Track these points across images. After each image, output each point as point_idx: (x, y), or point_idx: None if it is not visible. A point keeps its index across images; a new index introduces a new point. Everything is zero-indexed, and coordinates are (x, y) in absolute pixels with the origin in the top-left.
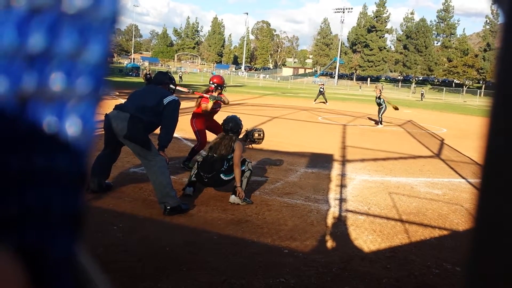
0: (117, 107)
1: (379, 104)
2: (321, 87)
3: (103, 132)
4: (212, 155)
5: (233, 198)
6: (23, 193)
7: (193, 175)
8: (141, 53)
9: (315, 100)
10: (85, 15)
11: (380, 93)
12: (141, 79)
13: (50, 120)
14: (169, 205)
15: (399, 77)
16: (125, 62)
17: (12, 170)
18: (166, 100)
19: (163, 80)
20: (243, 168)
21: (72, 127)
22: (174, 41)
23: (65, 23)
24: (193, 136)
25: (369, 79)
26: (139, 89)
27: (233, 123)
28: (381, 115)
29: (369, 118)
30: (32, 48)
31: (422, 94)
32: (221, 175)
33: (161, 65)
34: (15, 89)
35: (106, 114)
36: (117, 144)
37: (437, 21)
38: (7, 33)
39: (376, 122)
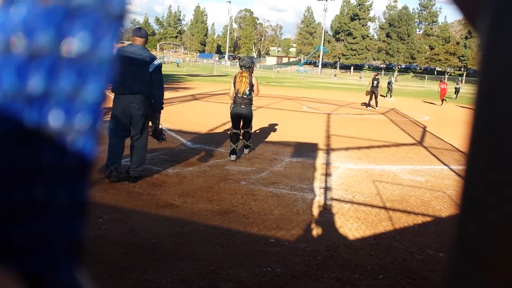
0: (127, 91)
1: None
2: (390, 79)
3: (116, 118)
4: (242, 96)
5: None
6: (24, 223)
7: (232, 146)
8: (122, 43)
9: (390, 97)
10: (83, 58)
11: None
12: None
13: (50, 153)
14: (133, 174)
15: (381, 65)
16: None
17: (13, 202)
18: (151, 67)
19: (145, 34)
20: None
21: (71, 159)
22: (156, 30)
23: (63, 66)
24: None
25: (352, 67)
26: (126, 57)
27: (245, 60)
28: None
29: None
30: (32, 90)
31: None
32: (251, 106)
33: None
34: (15, 127)
35: (117, 98)
36: (131, 125)
37: (419, 9)
38: (7, 77)
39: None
